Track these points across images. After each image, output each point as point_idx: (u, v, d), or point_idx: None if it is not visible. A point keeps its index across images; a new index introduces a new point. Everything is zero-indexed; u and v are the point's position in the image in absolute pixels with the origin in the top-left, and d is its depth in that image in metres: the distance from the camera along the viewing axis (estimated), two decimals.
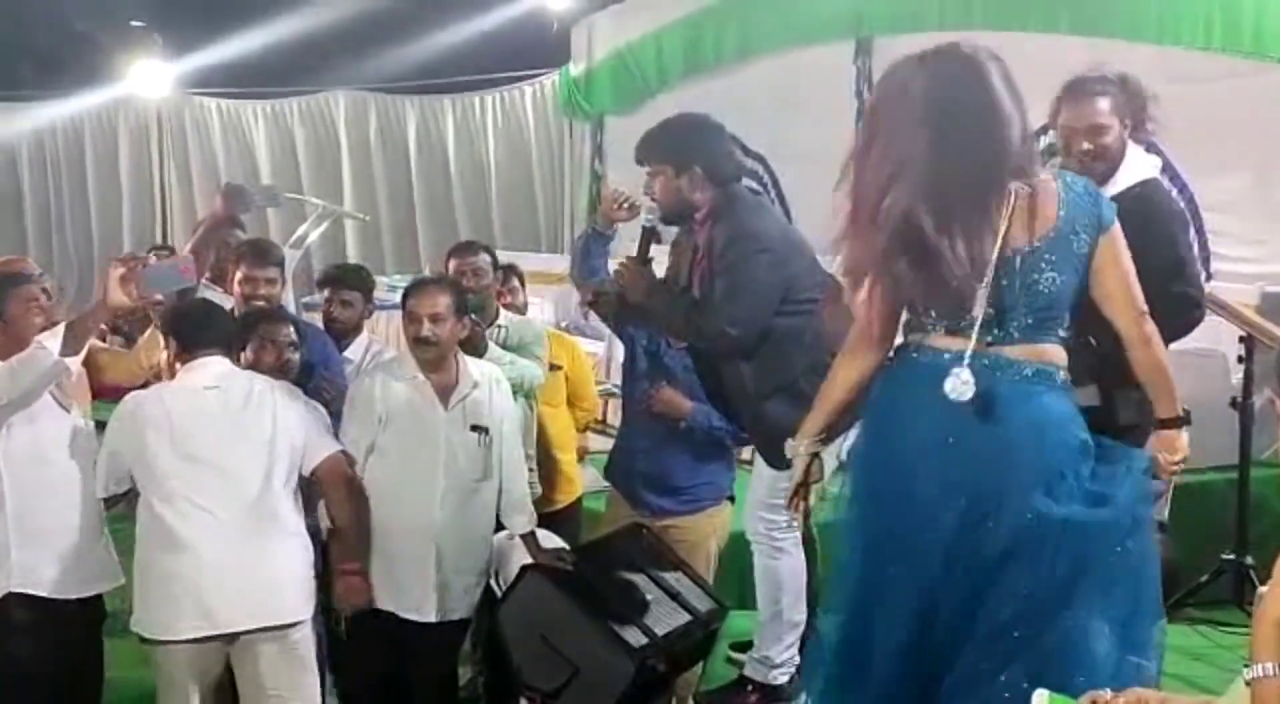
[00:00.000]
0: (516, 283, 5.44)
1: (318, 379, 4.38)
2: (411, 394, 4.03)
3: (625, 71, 11.22)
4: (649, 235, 3.88)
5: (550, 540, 4.28)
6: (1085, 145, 3.71)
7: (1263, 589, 3.54)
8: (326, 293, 4.92)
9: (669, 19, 10.55)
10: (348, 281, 4.94)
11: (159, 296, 3.81)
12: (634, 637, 3.98)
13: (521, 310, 5.33)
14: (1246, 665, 1.55)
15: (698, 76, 10.09)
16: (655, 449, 4.51)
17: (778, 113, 9.23)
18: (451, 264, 4.91)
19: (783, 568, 3.81)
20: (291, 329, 4.20)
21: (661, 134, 3.85)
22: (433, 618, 4.03)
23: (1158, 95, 3.83)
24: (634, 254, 3.98)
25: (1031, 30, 7.41)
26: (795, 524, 3.80)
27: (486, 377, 4.14)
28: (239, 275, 4.60)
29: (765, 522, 3.78)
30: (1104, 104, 3.74)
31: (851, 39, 8.96)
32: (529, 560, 4.15)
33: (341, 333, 4.81)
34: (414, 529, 4.01)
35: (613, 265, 4.21)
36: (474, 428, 4.06)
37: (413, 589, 4.02)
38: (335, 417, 4.17)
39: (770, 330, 3.70)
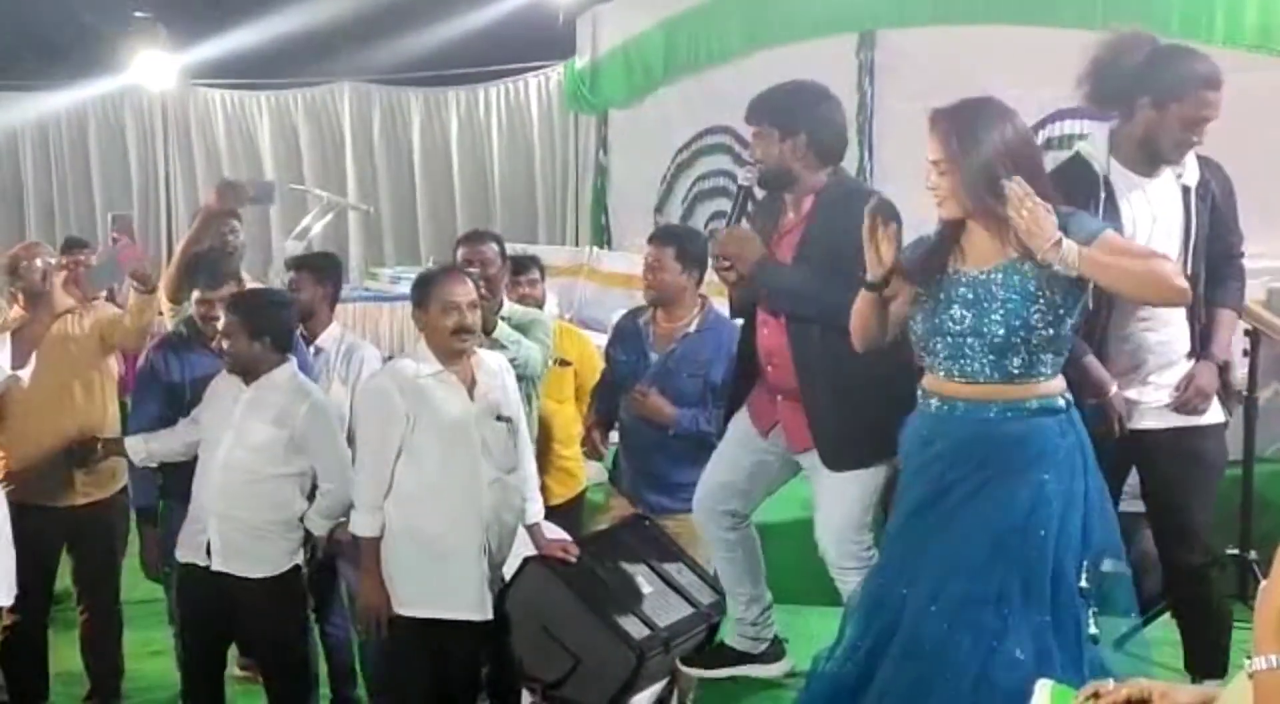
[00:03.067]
0: (535, 274, 5.35)
1: None
2: (438, 390, 3.92)
3: (629, 64, 11.22)
4: (746, 195, 3.76)
5: (554, 532, 4.28)
6: (1199, 137, 3.66)
7: (1265, 583, 3.55)
8: (290, 279, 4.89)
9: (673, 11, 10.54)
10: (297, 264, 4.93)
11: (104, 292, 3.88)
12: (635, 628, 3.97)
13: (539, 303, 5.25)
14: (1249, 658, 1.54)
15: (702, 69, 10.09)
16: (651, 447, 4.51)
17: None
18: (460, 252, 4.92)
19: None
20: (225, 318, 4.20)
21: (774, 96, 3.76)
22: (490, 614, 3.97)
23: None
24: (735, 219, 3.81)
25: (1033, 23, 7.40)
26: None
27: (501, 366, 4.12)
28: (194, 295, 4.58)
29: (858, 544, 3.67)
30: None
31: (855, 32, 8.95)
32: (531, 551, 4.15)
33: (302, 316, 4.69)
34: (465, 526, 3.93)
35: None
36: (499, 418, 4.01)
37: (468, 588, 3.93)
38: None
39: None
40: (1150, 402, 3.72)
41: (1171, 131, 3.60)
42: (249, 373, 4.18)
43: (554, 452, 5.00)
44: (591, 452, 4.71)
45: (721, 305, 4.47)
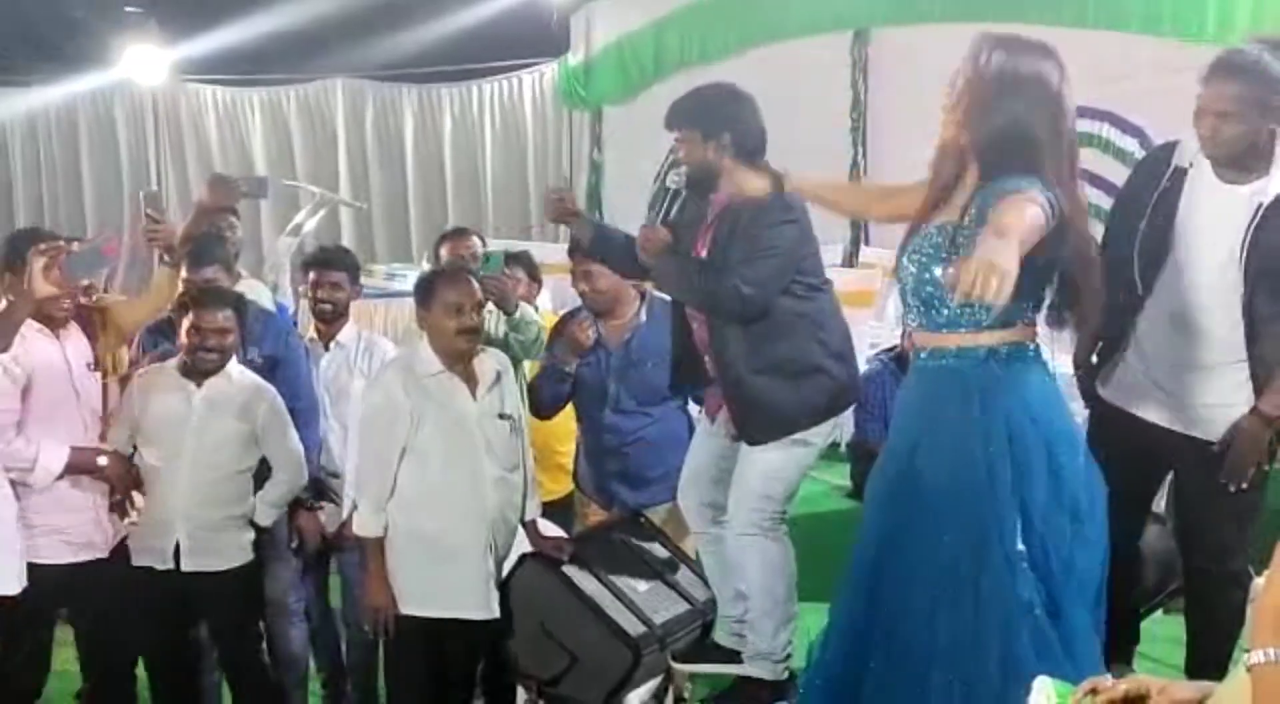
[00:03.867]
0: (519, 273, 5.33)
1: (280, 375, 4.45)
2: (442, 389, 3.94)
3: (624, 61, 11.22)
4: (673, 198, 3.81)
5: (550, 529, 4.29)
6: (1203, 131, 3.50)
7: (1259, 579, 3.56)
8: (313, 276, 4.83)
9: (668, 9, 10.55)
10: (334, 263, 4.89)
11: (86, 281, 3.85)
12: (632, 625, 3.98)
13: (524, 301, 5.27)
14: (1247, 651, 1.55)
15: (695, 66, 10.08)
16: (625, 446, 4.50)
17: (773, 103, 9.17)
18: (445, 249, 4.99)
19: (784, 554, 3.81)
20: (226, 314, 4.19)
21: (694, 100, 3.85)
22: (496, 613, 3.98)
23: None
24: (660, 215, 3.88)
25: (1027, 22, 7.39)
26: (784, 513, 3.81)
27: (501, 365, 4.13)
28: (182, 276, 4.59)
29: (759, 512, 3.74)
30: (1231, 89, 3.43)
31: (849, 30, 8.97)
32: (527, 548, 4.16)
33: (332, 317, 4.79)
34: (470, 525, 3.94)
35: None
36: (501, 416, 4.03)
37: (474, 587, 3.94)
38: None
39: (775, 305, 3.69)
40: (1183, 403, 3.67)
41: (1196, 111, 3.51)
42: (218, 372, 4.20)
43: (550, 448, 5.00)
44: (583, 337, 4.52)
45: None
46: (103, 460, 4.03)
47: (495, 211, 13.23)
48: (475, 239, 5.09)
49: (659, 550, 4.34)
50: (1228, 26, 6.57)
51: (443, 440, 3.91)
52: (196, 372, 4.20)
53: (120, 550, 4.18)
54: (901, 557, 3.23)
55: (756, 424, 3.76)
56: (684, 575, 4.30)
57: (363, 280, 5.20)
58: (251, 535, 4.27)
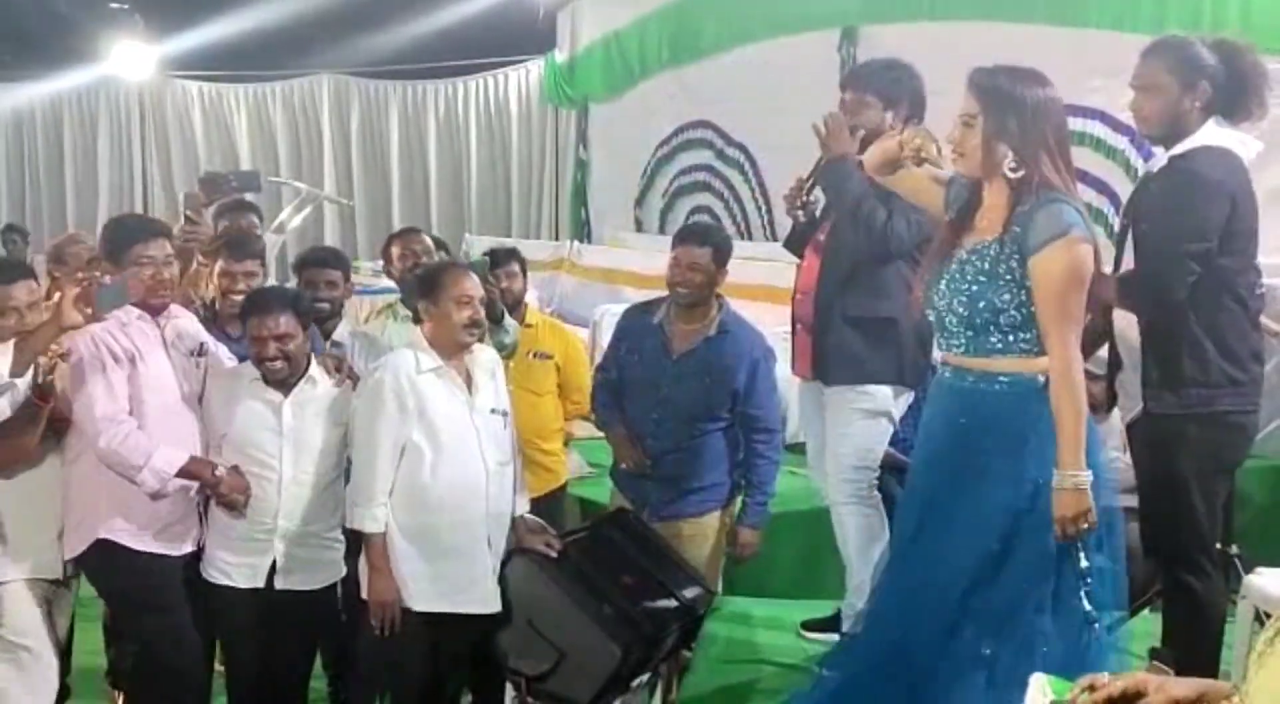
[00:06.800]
0: (514, 267, 5.28)
1: None
2: (438, 385, 3.92)
3: (609, 59, 11.22)
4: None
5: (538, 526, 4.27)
6: (1132, 108, 3.61)
7: (1251, 577, 3.56)
8: (307, 275, 4.81)
9: (654, 6, 10.55)
10: (330, 262, 4.90)
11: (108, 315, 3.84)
12: (620, 623, 3.97)
13: (517, 297, 5.25)
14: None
15: (682, 63, 10.09)
16: (665, 454, 4.47)
17: (761, 101, 9.22)
18: (396, 247, 5.15)
19: (881, 522, 3.98)
20: (286, 318, 4.00)
21: (883, 69, 4.12)
22: (499, 607, 3.97)
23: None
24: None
25: (1016, 21, 7.42)
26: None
27: (493, 361, 4.12)
28: (218, 268, 4.57)
29: (856, 483, 3.98)
30: (1154, 65, 3.54)
31: (837, 28, 8.96)
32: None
33: (328, 315, 4.78)
34: (470, 520, 3.92)
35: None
36: (494, 411, 4.03)
37: (478, 582, 3.93)
38: None
39: (891, 263, 3.95)
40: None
41: None
42: (295, 375, 4.04)
43: (532, 445, 4.98)
44: (637, 464, 4.54)
45: (738, 305, 4.59)
46: (220, 472, 3.91)
47: (479, 208, 13.23)
48: (425, 237, 5.21)
49: (648, 547, 4.32)
50: (1220, 24, 6.57)
51: (441, 436, 3.90)
52: (275, 380, 4.04)
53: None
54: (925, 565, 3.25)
55: (831, 363, 4.01)
56: (672, 572, 4.28)
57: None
58: (342, 548, 4.11)
